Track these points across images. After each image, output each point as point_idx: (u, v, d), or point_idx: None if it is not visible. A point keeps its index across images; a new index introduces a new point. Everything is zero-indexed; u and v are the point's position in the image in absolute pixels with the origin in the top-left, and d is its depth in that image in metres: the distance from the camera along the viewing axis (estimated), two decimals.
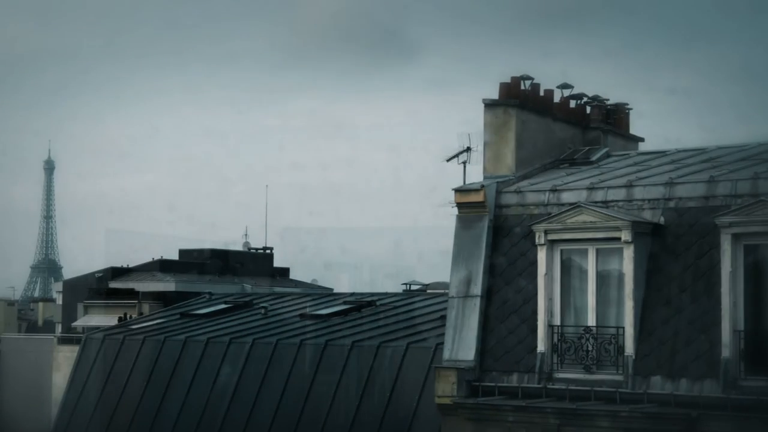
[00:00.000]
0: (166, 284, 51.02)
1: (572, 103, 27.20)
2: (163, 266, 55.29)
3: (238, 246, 61.23)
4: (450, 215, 24.50)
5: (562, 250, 23.11)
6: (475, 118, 25.34)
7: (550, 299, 23.02)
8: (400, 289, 48.02)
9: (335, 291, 43.80)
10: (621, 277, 22.39)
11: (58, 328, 59.27)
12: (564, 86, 26.88)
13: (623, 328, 22.21)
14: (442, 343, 24.44)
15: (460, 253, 24.28)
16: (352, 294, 36.72)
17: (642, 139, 28.65)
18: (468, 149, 25.48)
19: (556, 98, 26.69)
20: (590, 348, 22.52)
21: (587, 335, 22.60)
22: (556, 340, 22.90)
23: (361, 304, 34.26)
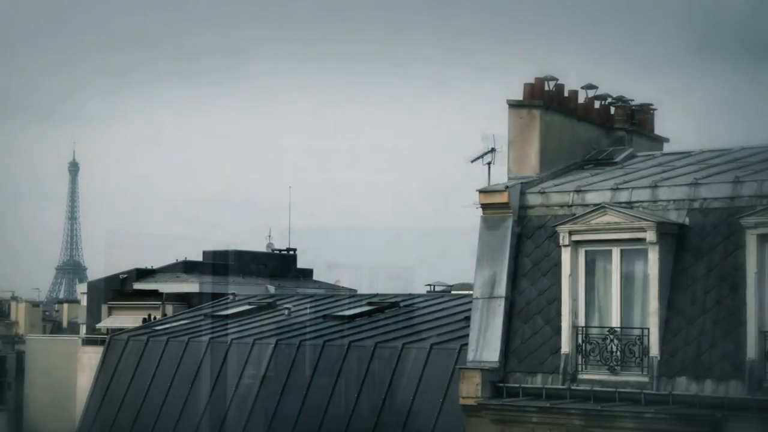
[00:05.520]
0: (190, 285, 51.01)
1: (597, 104, 27.15)
2: (186, 268, 55.31)
3: (261, 247, 61.24)
4: (475, 216, 24.50)
5: (586, 251, 23.05)
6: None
7: (574, 300, 22.97)
8: (424, 290, 47.94)
9: (359, 292, 43.77)
10: (646, 278, 22.31)
11: (83, 330, 59.30)
12: (588, 87, 26.84)
13: (648, 329, 22.13)
14: (466, 344, 24.43)
15: (485, 254, 24.25)
16: (376, 295, 36.71)
17: (667, 140, 28.57)
18: (492, 150, 25.46)
19: (581, 99, 26.64)
20: (615, 349, 22.45)
21: (612, 336, 22.53)
22: (580, 341, 22.85)
23: (385, 305, 34.23)
